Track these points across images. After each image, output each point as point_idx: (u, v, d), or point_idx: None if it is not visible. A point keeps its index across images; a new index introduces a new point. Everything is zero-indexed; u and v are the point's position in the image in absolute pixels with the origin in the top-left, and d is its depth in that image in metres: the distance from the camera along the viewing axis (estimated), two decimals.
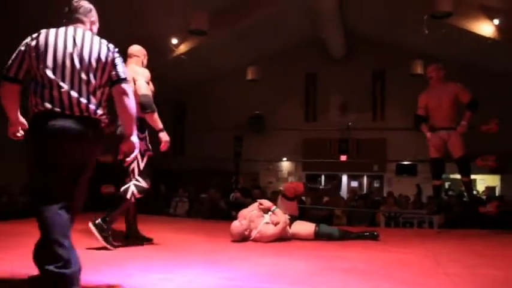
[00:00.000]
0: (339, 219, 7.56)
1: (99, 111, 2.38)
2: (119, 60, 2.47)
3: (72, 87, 2.26)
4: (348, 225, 7.45)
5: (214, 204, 7.70)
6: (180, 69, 11.79)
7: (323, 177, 13.97)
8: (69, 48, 2.30)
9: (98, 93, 2.39)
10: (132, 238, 3.84)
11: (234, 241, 4.02)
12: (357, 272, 2.71)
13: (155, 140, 3.87)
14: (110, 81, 2.42)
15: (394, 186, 12.20)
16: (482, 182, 12.76)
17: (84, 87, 2.30)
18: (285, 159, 13.57)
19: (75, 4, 2.54)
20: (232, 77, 12.80)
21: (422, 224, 7.02)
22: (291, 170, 14.07)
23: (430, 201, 8.63)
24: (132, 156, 2.59)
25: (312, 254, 3.40)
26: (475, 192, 12.31)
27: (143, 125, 3.58)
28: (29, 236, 3.71)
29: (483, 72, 11.41)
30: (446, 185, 12.94)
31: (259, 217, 4.13)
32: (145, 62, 4.01)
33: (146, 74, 3.73)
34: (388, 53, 12.18)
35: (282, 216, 4.08)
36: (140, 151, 3.45)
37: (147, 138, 3.71)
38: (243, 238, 4.04)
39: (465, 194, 10.78)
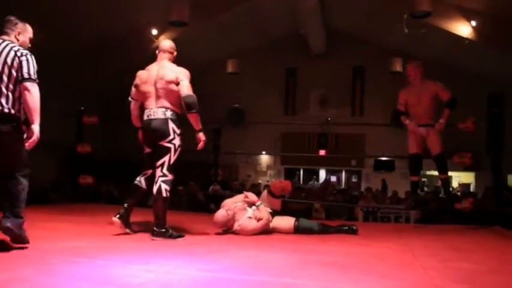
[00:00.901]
0: (318, 213, 7.62)
1: (15, 108, 2.97)
2: (24, 63, 2.96)
3: None
4: (327, 219, 7.52)
5: (193, 196, 7.67)
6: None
7: (302, 171, 14.08)
8: None
9: (10, 92, 2.95)
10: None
11: (216, 232, 4.03)
12: (336, 265, 2.74)
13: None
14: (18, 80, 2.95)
15: (372, 181, 12.37)
16: (458, 178, 13.03)
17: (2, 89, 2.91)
18: (264, 152, 13.60)
19: (5, 19, 3.15)
20: (213, 69, 12.75)
21: (399, 219, 7.14)
22: (270, 164, 14.13)
23: (407, 197, 8.80)
24: (32, 142, 3.02)
25: (291, 247, 3.42)
26: (450, 188, 12.60)
27: (179, 122, 3.80)
28: None
29: (460, 72, 11.65)
30: (424, 181, 13.20)
31: (243, 210, 4.14)
32: (174, 58, 4.09)
33: (187, 73, 3.85)
34: (368, 50, 12.33)
35: (265, 213, 4.09)
36: (175, 146, 3.70)
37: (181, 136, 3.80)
38: (226, 228, 4.05)
39: (441, 190, 11.04)
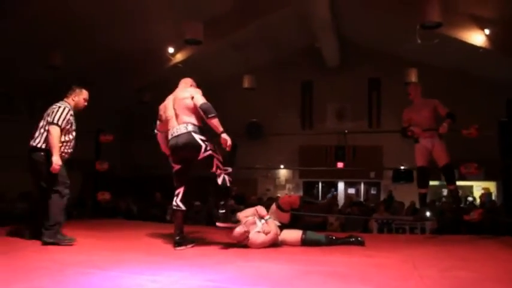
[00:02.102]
0: (333, 226, 7.67)
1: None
2: (54, 111, 4.15)
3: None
4: (342, 231, 7.57)
5: (210, 211, 7.81)
6: (177, 78, 11.89)
7: (320, 184, 14.12)
8: None
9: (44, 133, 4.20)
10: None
11: (226, 243, 4.18)
12: (336, 275, 2.83)
13: None
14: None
15: (393, 192, 12.30)
16: (479, 188, 12.85)
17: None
18: (282, 166, 13.70)
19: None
20: (229, 85, 12.97)
21: (415, 230, 7.12)
22: (289, 178, 14.21)
23: (426, 208, 8.76)
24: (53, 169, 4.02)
25: (294, 258, 3.53)
26: (471, 198, 12.45)
27: (202, 130, 4.11)
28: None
29: (476, 80, 11.63)
30: (445, 191, 13.05)
31: (253, 224, 4.25)
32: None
33: (198, 90, 4.31)
34: (383, 62, 12.37)
35: (273, 227, 4.20)
36: (212, 150, 4.06)
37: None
38: (239, 242, 4.16)
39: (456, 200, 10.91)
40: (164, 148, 4.47)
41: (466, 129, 5.06)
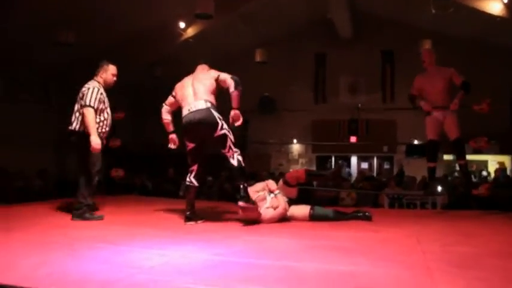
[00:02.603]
0: (344, 201, 7.71)
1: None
2: (85, 94, 4.22)
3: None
4: (354, 206, 7.61)
5: (222, 187, 7.91)
6: (189, 53, 11.92)
7: (333, 158, 14.12)
8: None
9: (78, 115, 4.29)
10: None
11: (235, 219, 4.28)
12: (339, 249, 2.89)
13: None
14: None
15: (405, 167, 12.26)
16: (494, 163, 12.74)
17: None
18: (295, 141, 13.71)
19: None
20: (241, 59, 12.87)
21: (425, 205, 7.12)
22: (302, 152, 14.23)
23: (437, 182, 8.74)
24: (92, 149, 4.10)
25: (301, 232, 3.61)
26: (485, 173, 12.36)
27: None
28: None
29: (492, 50, 11.37)
30: (457, 166, 12.95)
31: (263, 200, 4.32)
32: None
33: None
34: (396, 33, 12.15)
35: (282, 202, 4.26)
36: (227, 129, 4.08)
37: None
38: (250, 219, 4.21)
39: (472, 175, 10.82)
40: (166, 124, 4.55)
41: (478, 105, 4.97)
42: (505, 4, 9.07)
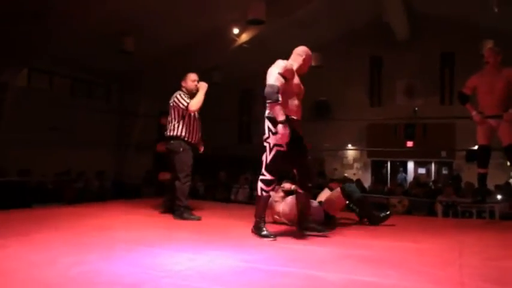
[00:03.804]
0: (396, 208, 7.49)
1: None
2: (176, 102, 4.74)
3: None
4: (406, 214, 7.37)
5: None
6: (243, 58, 12.09)
7: (389, 163, 13.74)
8: None
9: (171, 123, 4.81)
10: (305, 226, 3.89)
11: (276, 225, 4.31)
12: (369, 260, 2.80)
13: None
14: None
15: (465, 173, 11.70)
16: None
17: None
18: (349, 145, 13.48)
19: None
20: None
21: (483, 213, 6.75)
22: (356, 157, 13.97)
23: (497, 190, 8.27)
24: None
25: (335, 240, 3.56)
26: None
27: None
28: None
29: None
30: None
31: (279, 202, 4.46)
32: (302, 61, 3.94)
33: (282, 64, 3.60)
34: (456, 34, 11.65)
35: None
36: (269, 145, 3.63)
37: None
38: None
39: None
40: None
41: None
42: None
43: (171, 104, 4.79)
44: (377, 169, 13.76)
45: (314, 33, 12.07)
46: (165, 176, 6.05)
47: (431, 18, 12.10)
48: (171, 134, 4.77)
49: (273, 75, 3.49)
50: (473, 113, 4.83)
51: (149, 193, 8.32)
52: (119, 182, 9.83)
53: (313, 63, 12.15)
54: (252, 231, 3.73)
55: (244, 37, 11.33)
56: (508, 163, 4.92)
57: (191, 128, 4.81)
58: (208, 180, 9.68)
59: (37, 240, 3.24)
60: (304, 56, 3.90)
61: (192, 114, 4.80)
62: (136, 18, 9.33)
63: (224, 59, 12.02)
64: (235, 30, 11.07)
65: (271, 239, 3.53)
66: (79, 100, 11.40)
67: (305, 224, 3.81)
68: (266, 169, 3.65)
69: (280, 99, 3.43)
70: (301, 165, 3.79)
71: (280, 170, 3.75)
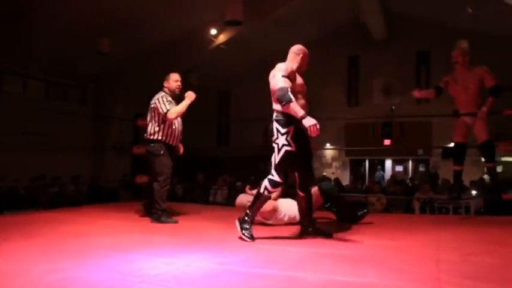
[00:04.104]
0: (374, 206, 7.53)
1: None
2: (156, 104, 4.65)
3: None
4: (385, 211, 7.42)
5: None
6: (221, 59, 12.05)
7: (367, 162, 13.86)
8: None
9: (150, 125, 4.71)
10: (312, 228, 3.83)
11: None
12: (348, 258, 2.79)
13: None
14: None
15: (442, 170, 11.89)
16: None
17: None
18: (328, 145, 13.54)
19: None
20: (273, 64, 12.81)
21: (458, 209, 6.85)
22: (335, 156, 14.04)
23: (472, 186, 8.41)
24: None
25: (313, 240, 3.54)
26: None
27: (288, 121, 3.57)
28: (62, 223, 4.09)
29: None
30: (499, 168, 12.45)
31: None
32: (300, 60, 3.89)
33: (282, 67, 3.66)
34: (432, 33, 11.81)
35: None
36: (278, 146, 3.58)
37: (290, 134, 3.58)
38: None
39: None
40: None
41: (510, 109, 4.70)
42: None
43: (152, 106, 4.69)
44: (355, 168, 13.88)
45: (291, 33, 12.01)
46: (142, 179, 5.96)
47: (407, 18, 12.26)
48: (152, 137, 4.67)
49: (279, 79, 3.53)
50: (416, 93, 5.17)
51: (126, 196, 8.20)
52: (95, 186, 9.66)
53: None
54: (236, 223, 3.64)
55: (222, 38, 11.29)
56: (483, 159, 4.96)
57: (172, 131, 4.71)
58: (187, 182, 9.59)
59: (6, 248, 3.12)
60: (301, 55, 3.88)
61: None
62: (112, 19, 9.21)
63: (202, 60, 11.95)
64: (213, 31, 11.03)
65: (248, 239, 3.51)
66: (53, 103, 11.16)
67: (310, 227, 3.75)
68: (275, 170, 3.60)
69: (292, 98, 3.43)
70: (305, 167, 3.76)
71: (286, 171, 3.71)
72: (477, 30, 10.71)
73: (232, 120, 14.42)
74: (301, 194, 3.77)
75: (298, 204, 3.86)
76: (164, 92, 4.77)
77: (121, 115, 11.06)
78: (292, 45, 3.97)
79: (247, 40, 11.53)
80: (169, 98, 4.71)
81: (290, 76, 3.62)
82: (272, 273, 2.48)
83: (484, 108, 4.61)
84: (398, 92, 12.66)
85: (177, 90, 4.81)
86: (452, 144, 5.21)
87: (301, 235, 3.72)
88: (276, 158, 3.59)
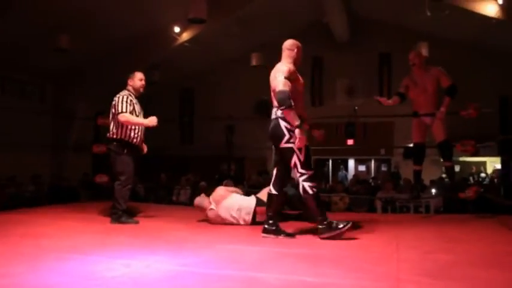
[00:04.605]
0: (337, 205, 7.62)
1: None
2: (115, 103, 4.53)
3: None
4: (348, 211, 7.50)
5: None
6: (184, 57, 11.91)
7: (330, 161, 14.03)
8: None
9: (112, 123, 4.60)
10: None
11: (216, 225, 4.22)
12: (309, 258, 2.79)
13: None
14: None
15: (403, 169, 12.14)
16: (493, 164, 12.61)
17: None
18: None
19: None
20: (238, 63, 12.86)
21: (419, 208, 7.01)
22: None
23: (433, 185, 8.63)
24: None
25: (278, 239, 3.53)
26: (483, 174, 12.23)
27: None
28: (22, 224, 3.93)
29: (489, 52, 11.26)
30: (457, 168, 12.87)
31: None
32: (295, 54, 3.97)
33: (284, 68, 3.69)
34: (393, 36, 12.07)
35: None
36: (294, 144, 3.53)
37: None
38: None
39: (470, 178, 10.68)
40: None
41: (465, 110, 4.84)
42: (500, 6, 8.95)
43: (113, 103, 4.59)
44: (319, 167, 14.01)
45: (256, 32, 12.10)
46: (102, 178, 5.83)
47: (369, 20, 12.49)
48: (114, 136, 4.57)
49: (280, 81, 3.54)
50: (385, 101, 5.22)
51: (87, 196, 7.97)
52: (55, 186, 9.36)
53: (254, 63, 12.19)
54: (322, 237, 3.48)
55: (186, 36, 11.15)
56: (441, 159, 5.09)
57: (134, 130, 4.61)
58: (150, 181, 9.43)
59: None
60: (295, 49, 3.95)
61: (138, 114, 4.65)
62: (72, 14, 8.94)
63: (165, 58, 11.78)
64: (176, 29, 10.88)
65: (290, 237, 3.58)
66: (10, 100, 10.72)
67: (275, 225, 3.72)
68: (303, 167, 3.55)
69: (292, 104, 3.47)
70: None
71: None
72: (434, 34, 11.04)
73: (197, 118, 14.30)
74: (276, 192, 3.77)
75: (273, 202, 3.78)
76: (128, 90, 4.68)
77: (82, 113, 10.75)
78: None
79: (211, 39, 11.44)
80: (132, 98, 4.62)
81: (291, 76, 3.66)
82: (232, 274, 2.45)
83: (443, 109, 4.73)
84: (361, 92, 12.87)
85: (141, 89, 4.73)
86: (412, 144, 5.31)
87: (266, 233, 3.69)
88: (298, 156, 3.54)
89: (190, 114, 14.34)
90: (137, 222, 4.48)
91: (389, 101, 5.14)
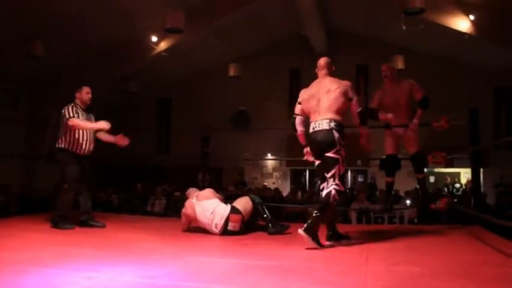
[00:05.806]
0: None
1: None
2: (63, 113, 4.74)
3: None
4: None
5: None
6: (161, 67, 11.85)
7: (307, 172, 14.04)
8: None
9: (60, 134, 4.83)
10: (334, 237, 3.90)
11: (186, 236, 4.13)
12: (277, 270, 2.75)
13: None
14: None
15: (380, 180, 12.23)
16: (466, 175, 12.79)
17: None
18: (269, 155, 13.62)
19: None
20: (215, 73, 12.87)
21: (393, 219, 7.05)
22: (276, 166, 14.14)
23: (407, 196, 8.70)
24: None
25: (248, 251, 3.49)
26: (458, 185, 12.41)
27: (344, 134, 3.81)
28: None
29: (463, 67, 11.54)
30: (431, 179, 13.05)
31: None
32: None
33: (350, 84, 4.17)
34: (370, 48, 12.25)
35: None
36: (342, 157, 3.74)
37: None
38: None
39: (445, 189, 10.81)
40: (300, 135, 4.15)
41: (437, 122, 4.90)
42: (472, 21, 9.17)
43: (62, 113, 4.80)
44: (296, 178, 14.02)
45: (235, 44, 12.13)
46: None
47: (347, 34, 12.70)
48: (60, 145, 4.80)
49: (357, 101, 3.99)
50: (387, 116, 4.99)
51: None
52: (24, 196, 9.11)
53: (231, 74, 12.17)
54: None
55: (163, 46, 11.09)
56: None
57: (80, 139, 4.78)
58: (125, 191, 9.28)
59: None
60: (333, 67, 4.38)
61: None
62: (47, 21, 8.82)
63: (142, 67, 11.70)
64: (154, 38, 10.81)
65: (347, 239, 3.86)
66: None
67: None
68: (340, 180, 3.70)
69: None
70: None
71: None
72: (409, 48, 11.27)
73: (174, 128, 14.21)
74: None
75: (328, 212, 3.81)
76: (75, 103, 4.88)
77: (55, 121, 10.54)
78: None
79: (188, 49, 11.43)
80: (78, 109, 4.84)
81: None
82: (195, 286, 2.39)
83: (416, 120, 4.77)
84: None
85: (88, 101, 4.94)
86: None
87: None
88: (340, 168, 3.71)
89: (167, 124, 14.25)
90: (73, 228, 4.64)
91: (389, 115, 5.09)
